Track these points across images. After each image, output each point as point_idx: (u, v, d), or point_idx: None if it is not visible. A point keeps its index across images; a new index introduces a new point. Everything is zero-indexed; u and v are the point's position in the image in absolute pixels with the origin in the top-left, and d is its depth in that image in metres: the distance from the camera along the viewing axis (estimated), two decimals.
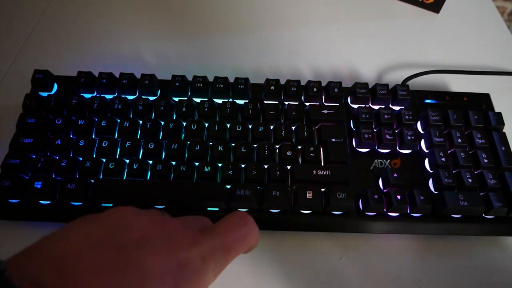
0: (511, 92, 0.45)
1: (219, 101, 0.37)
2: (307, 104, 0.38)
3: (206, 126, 0.36)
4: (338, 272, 0.33)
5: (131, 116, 0.36)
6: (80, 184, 0.32)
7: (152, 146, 0.34)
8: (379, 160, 0.36)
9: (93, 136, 0.35)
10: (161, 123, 0.36)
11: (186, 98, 0.37)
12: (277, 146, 0.35)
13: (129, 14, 0.49)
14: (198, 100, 0.38)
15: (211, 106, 0.36)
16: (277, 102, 0.37)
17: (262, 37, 0.48)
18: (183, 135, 0.35)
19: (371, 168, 0.36)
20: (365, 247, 0.34)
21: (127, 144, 0.34)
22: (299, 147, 0.35)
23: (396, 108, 0.38)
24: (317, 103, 0.38)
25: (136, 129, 0.35)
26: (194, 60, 0.45)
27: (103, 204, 0.32)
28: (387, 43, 0.48)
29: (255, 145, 0.35)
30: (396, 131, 0.36)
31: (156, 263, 0.20)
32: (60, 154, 0.34)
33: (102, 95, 0.37)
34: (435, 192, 0.34)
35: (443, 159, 0.35)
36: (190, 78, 0.38)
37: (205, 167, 0.33)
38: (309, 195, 0.32)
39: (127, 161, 0.34)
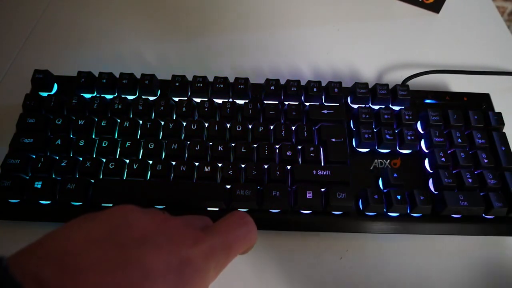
0: (511, 92, 0.46)
1: (219, 101, 0.37)
2: (307, 104, 0.38)
3: (206, 126, 0.36)
4: (338, 272, 0.33)
5: (131, 116, 0.36)
6: (80, 184, 0.32)
7: (152, 146, 0.34)
8: (379, 160, 0.36)
9: (93, 136, 0.35)
10: (161, 123, 0.36)
11: (186, 98, 0.37)
12: (277, 146, 0.35)
13: (129, 14, 0.49)
14: (198, 100, 0.38)
15: (211, 106, 0.36)
16: (277, 102, 0.37)
17: (262, 37, 0.48)
18: (183, 135, 0.35)
19: (371, 168, 0.36)
20: (365, 247, 0.34)
21: (127, 144, 0.34)
22: (299, 147, 0.35)
23: (396, 108, 0.38)
24: (317, 103, 0.38)
25: (136, 129, 0.35)
26: (194, 60, 0.45)
27: (103, 204, 0.32)
28: (387, 43, 0.48)
29: (255, 145, 0.35)
30: (396, 131, 0.36)
31: (158, 261, 0.20)
32: (60, 154, 0.34)
33: (102, 95, 0.37)
34: (435, 192, 0.34)
35: (443, 159, 0.35)
36: (190, 78, 0.38)
37: (205, 167, 0.33)
38: (309, 195, 0.32)
39: (127, 161, 0.34)
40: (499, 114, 0.38)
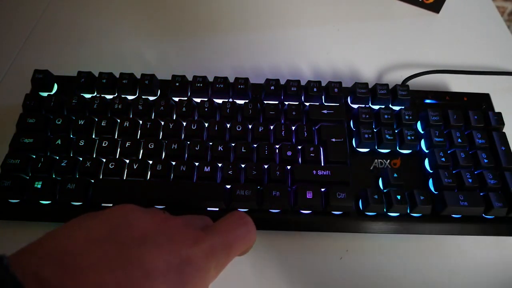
0: (511, 92, 0.46)
1: (219, 101, 0.37)
2: (307, 104, 0.38)
3: (206, 126, 0.36)
4: (338, 272, 0.33)
5: (131, 116, 0.36)
6: (80, 184, 0.32)
7: (152, 146, 0.34)
8: (379, 160, 0.36)
9: (93, 136, 0.35)
10: (161, 123, 0.36)
11: (186, 98, 0.37)
12: (277, 146, 0.35)
13: (129, 14, 0.49)
14: (198, 100, 0.38)
15: (211, 106, 0.36)
16: (277, 102, 0.37)
17: (262, 37, 0.48)
18: (183, 135, 0.35)
19: (371, 168, 0.36)
20: (365, 247, 0.34)
21: (127, 144, 0.34)
22: (299, 147, 0.35)
23: (396, 108, 0.38)
24: (317, 103, 0.38)
25: (136, 129, 0.35)
26: (194, 60, 0.45)
27: (103, 204, 0.32)
28: (387, 43, 0.48)
29: (255, 145, 0.35)
30: (396, 131, 0.36)
31: (158, 260, 0.20)
32: (60, 154, 0.34)
33: (102, 95, 0.37)
34: (435, 192, 0.34)
35: (443, 159, 0.35)
36: (190, 78, 0.38)
37: (205, 167, 0.33)
38: (309, 195, 0.32)
39: (127, 161, 0.34)
40: (499, 114, 0.38)
